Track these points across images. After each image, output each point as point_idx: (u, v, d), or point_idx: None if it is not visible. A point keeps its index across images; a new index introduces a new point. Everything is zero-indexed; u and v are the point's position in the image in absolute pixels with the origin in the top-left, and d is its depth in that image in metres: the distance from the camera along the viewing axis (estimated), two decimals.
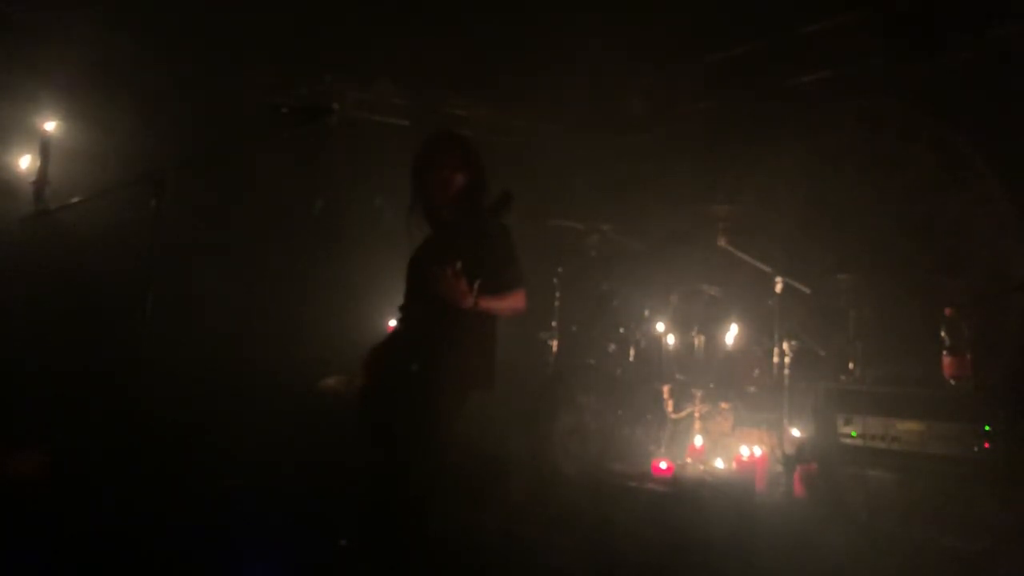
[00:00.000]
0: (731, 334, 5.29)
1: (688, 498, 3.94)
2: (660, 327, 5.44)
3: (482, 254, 2.96)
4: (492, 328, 3.13)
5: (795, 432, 4.82)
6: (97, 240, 4.77)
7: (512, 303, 3.08)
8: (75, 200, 2.86)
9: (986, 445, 4.03)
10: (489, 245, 3.02)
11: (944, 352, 4.36)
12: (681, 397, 5.27)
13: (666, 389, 5.29)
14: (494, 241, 3.05)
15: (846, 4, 5.38)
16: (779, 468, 4.69)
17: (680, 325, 5.41)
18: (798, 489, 4.57)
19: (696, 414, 5.18)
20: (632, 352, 5.47)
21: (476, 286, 2.87)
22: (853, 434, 4.52)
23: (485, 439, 4.99)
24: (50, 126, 3.15)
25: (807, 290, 5.06)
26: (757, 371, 5.17)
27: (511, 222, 3.11)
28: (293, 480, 4.48)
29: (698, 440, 5.11)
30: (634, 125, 6.92)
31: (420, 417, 2.96)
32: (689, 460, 5.02)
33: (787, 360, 4.88)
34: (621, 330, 5.56)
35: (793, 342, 4.91)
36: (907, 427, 4.31)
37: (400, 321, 3.21)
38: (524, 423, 5.37)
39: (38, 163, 2.97)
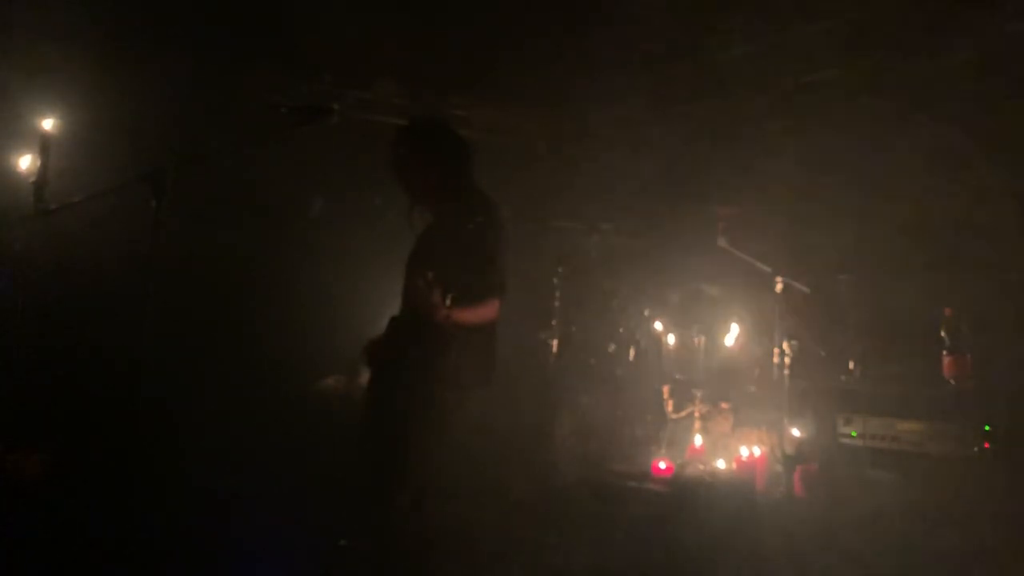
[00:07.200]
0: (731, 334, 5.29)
1: (688, 498, 3.94)
2: (660, 327, 5.44)
3: (462, 260, 2.87)
4: (491, 325, 3.03)
5: (795, 432, 4.82)
6: (97, 240, 4.76)
7: (484, 314, 2.95)
8: (75, 200, 2.85)
9: (986, 445, 4.03)
10: (470, 251, 2.91)
11: (944, 352, 4.37)
12: (681, 397, 5.27)
13: (666, 389, 5.29)
14: (477, 246, 2.93)
15: (846, 4, 5.37)
16: (779, 468, 4.69)
17: (680, 325, 5.41)
18: (798, 489, 4.57)
19: (696, 414, 5.18)
20: (632, 352, 5.47)
21: (449, 299, 2.74)
22: (853, 434, 4.52)
23: (485, 439, 4.99)
24: (49, 125, 3.14)
25: (807, 290, 5.06)
26: (757, 371, 5.18)
27: (510, 222, 3.08)
28: (293, 480, 4.48)
29: (698, 440, 5.11)
30: (635, 124, 6.91)
31: (416, 414, 2.93)
32: (689, 460, 5.02)
33: (787, 360, 4.88)
34: (621, 330, 5.56)
35: (793, 342, 4.91)
36: (907, 427, 4.32)
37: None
38: (524, 423, 5.37)
39: (38, 162, 2.96)
